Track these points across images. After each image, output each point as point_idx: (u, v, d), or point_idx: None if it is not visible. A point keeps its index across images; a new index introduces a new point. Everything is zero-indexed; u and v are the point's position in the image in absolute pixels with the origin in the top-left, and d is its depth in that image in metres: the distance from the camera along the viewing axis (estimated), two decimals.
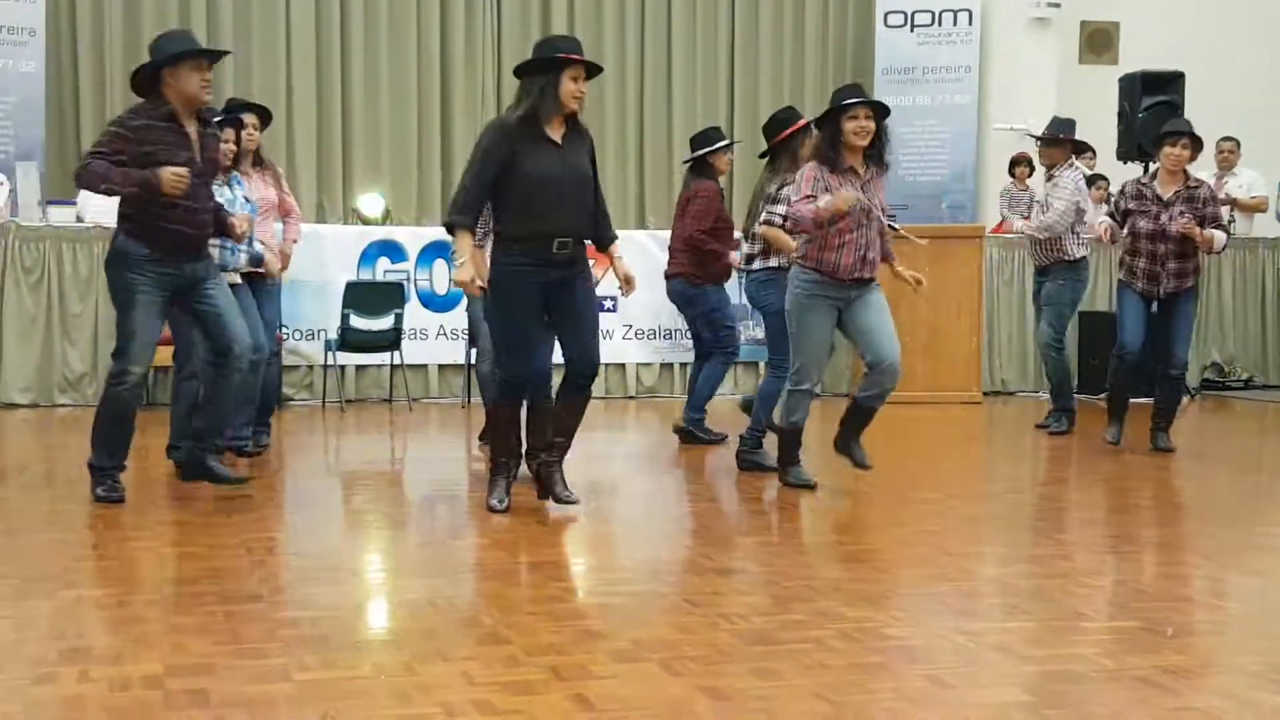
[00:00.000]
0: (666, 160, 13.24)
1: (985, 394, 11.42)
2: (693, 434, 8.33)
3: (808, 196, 6.25)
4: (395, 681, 3.56)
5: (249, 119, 7.49)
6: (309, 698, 3.42)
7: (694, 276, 8.27)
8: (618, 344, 11.49)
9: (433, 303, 10.97)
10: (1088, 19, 13.91)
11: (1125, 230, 8.11)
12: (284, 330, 9.43)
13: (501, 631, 4.08)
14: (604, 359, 12.05)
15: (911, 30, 13.18)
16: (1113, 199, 8.51)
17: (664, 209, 13.05)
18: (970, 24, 13.14)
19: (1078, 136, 9.26)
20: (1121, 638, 4.11)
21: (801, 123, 7.27)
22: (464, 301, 10.40)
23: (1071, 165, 9.22)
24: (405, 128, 12.60)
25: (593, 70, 5.88)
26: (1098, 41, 13.96)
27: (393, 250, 10.96)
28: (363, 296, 10.38)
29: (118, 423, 6.14)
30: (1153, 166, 8.75)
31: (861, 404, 6.58)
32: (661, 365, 11.65)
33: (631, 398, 11.56)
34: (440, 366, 11.10)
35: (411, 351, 10.70)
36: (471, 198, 5.78)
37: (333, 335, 10.22)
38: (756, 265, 7.41)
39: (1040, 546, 5.57)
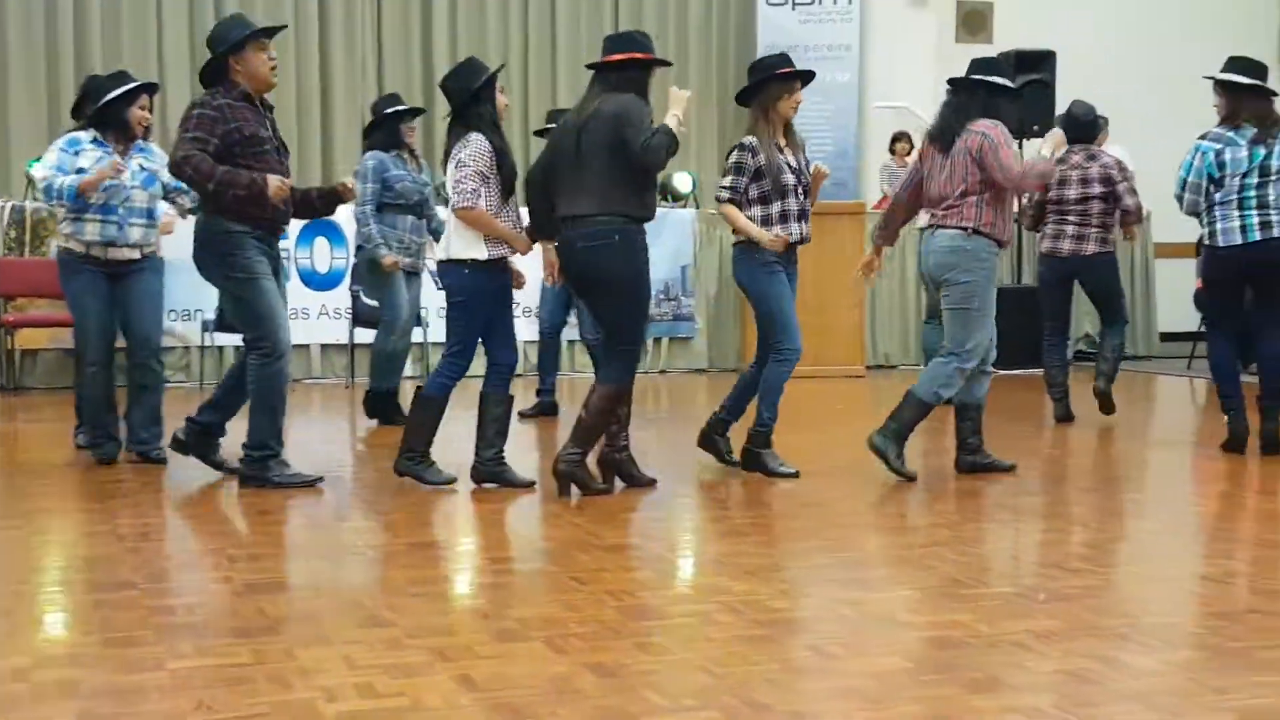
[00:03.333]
0: None
1: (868, 368, 11.56)
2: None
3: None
4: (274, 667, 3.51)
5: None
6: (183, 686, 3.36)
7: None
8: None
9: (314, 281, 10.83)
10: None
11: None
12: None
13: (384, 614, 4.04)
14: None
15: (793, 9, 13.25)
16: None
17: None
18: (850, 3, 13.25)
19: None
20: (997, 604, 4.18)
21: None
22: (346, 280, 10.32)
23: None
24: (284, 107, 12.36)
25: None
26: (973, 21, 14.14)
27: (332, 232, 10.78)
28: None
29: (282, 399, 6.16)
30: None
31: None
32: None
33: (519, 375, 11.50)
34: (323, 346, 10.97)
35: (292, 331, 10.50)
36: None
37: (210, 316, 10.00)
38: (733, 239, 6.75)
39: (921, 516, 5.65)
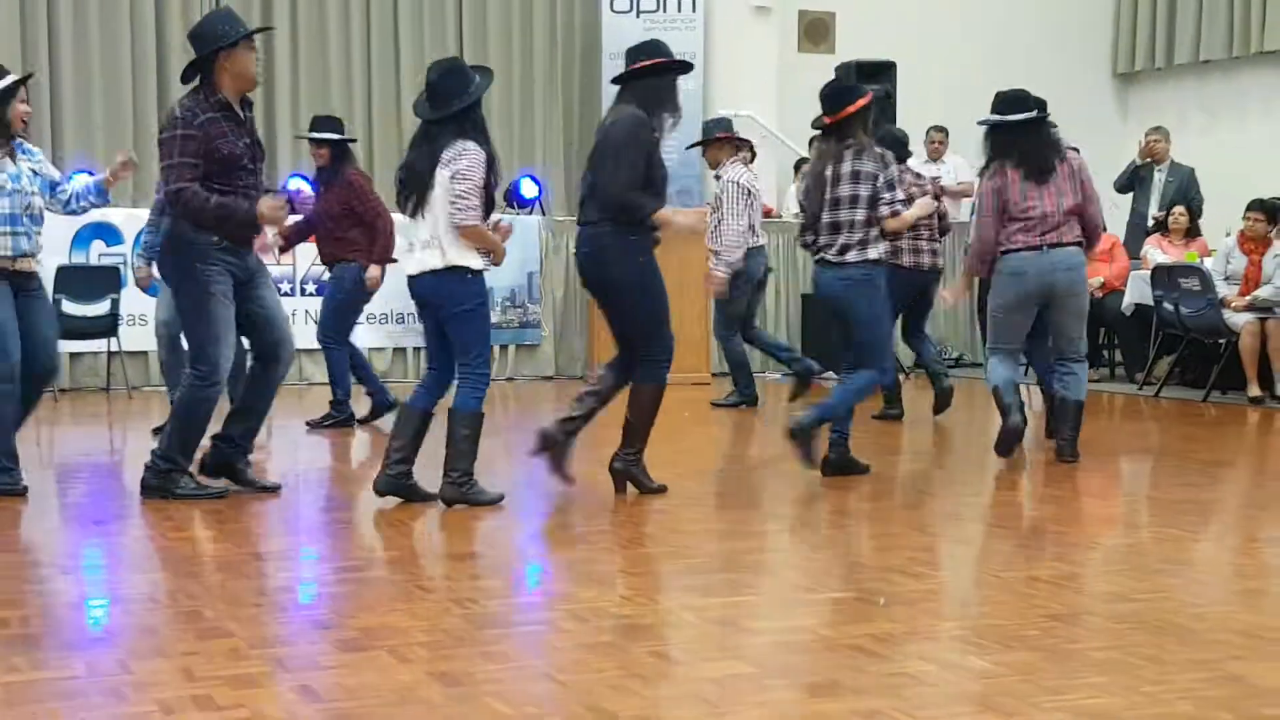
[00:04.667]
0: (397, 149, 13.02)
1: (714, 375, 11.66)
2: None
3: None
4: (110, 681, 3.43)
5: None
6: (17, 700, 3.27)
7: None
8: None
9: (152, 288, 10.55)
10: (805, 8, 14.29)
11: None
12: None
13: (224, 625, 3.97)
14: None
15: (637, 16, 13.30)
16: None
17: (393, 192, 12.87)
18: (695, 11, 13.34)
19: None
20: (839, 608, 4.27)
21: (870, 95, 6.69)
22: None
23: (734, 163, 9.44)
24: (119, 103, 11.99)
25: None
26: (815, 31, 14.36)
27: (108, 233, 10.52)
28: (75, 281, 9.95)
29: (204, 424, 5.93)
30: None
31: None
32: (395, 349, 11.54)
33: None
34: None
35: (130, 338, 10.29)
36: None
37: None
38: (852, 258, 6.45)
39: (765, 523, 5.73)
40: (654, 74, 6.03)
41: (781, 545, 5.22)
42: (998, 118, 6.90)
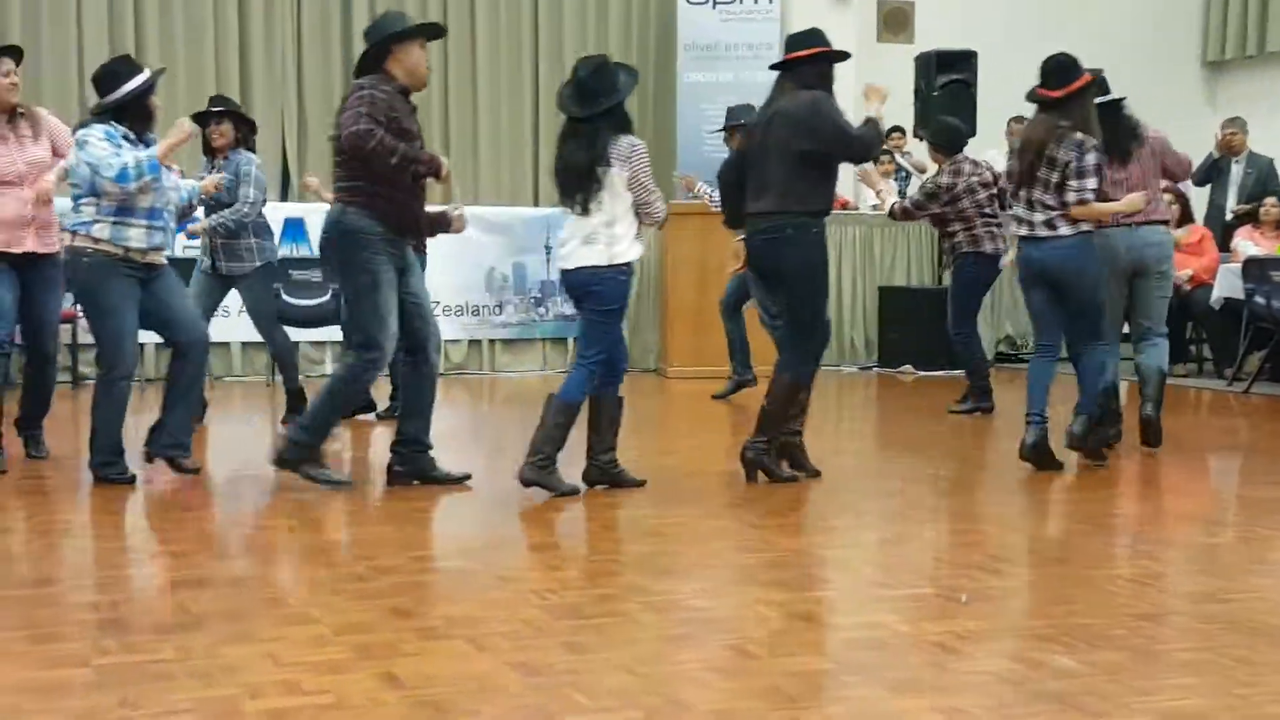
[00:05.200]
0: (471, 140, 13.10)
1: None
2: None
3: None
4: (198, 664, 3.49)
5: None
6: (107, 683, 3.33)
7: None
8: None
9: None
10: None
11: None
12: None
13: (308, 611, 4.02)
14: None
15: (714, 8, 13.26)
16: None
17: (467, 184, 12.96)
18: (771, 3, 13.29)
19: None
20: (919, 604, 4.24)
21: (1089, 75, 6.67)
22: None
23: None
24: (202, 102, 12.10)
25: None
26: (895, 21, 14.26)
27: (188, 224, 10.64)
28: None
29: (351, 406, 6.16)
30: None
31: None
32: (470, 342, 11.60)
33: (440, 374, 11.46)
34: (243, 344, 10.84)
35: (214, 328, 10.36)
36: None
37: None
38: (1065, 230, 6.49)
39: (841, 517, 5.70)
40: (811, 63, 6.17)
41: (860, 540, 5.19)
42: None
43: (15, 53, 6.68)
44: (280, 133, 12.27)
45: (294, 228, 10.79)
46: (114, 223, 5.98)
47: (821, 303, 6.23)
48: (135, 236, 6.02)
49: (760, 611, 4.14)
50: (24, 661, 3.49)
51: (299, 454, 5.98)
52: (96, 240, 5.98)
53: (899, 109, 11.59)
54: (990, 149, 10.62)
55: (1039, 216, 6.49)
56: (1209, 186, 12.29)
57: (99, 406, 6.09)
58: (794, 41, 6.28)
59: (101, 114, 6.07)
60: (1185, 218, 10.68)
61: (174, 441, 6.26)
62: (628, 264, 5.91)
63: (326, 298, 10.15)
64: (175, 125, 6.13)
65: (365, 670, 3.47)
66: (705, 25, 13.25)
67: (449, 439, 7.96)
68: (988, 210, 8.73)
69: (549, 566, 4.79)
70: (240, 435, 8.29)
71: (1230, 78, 15.14)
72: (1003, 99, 12.20)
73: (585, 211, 5.86)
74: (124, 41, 11.77)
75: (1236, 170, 12.08)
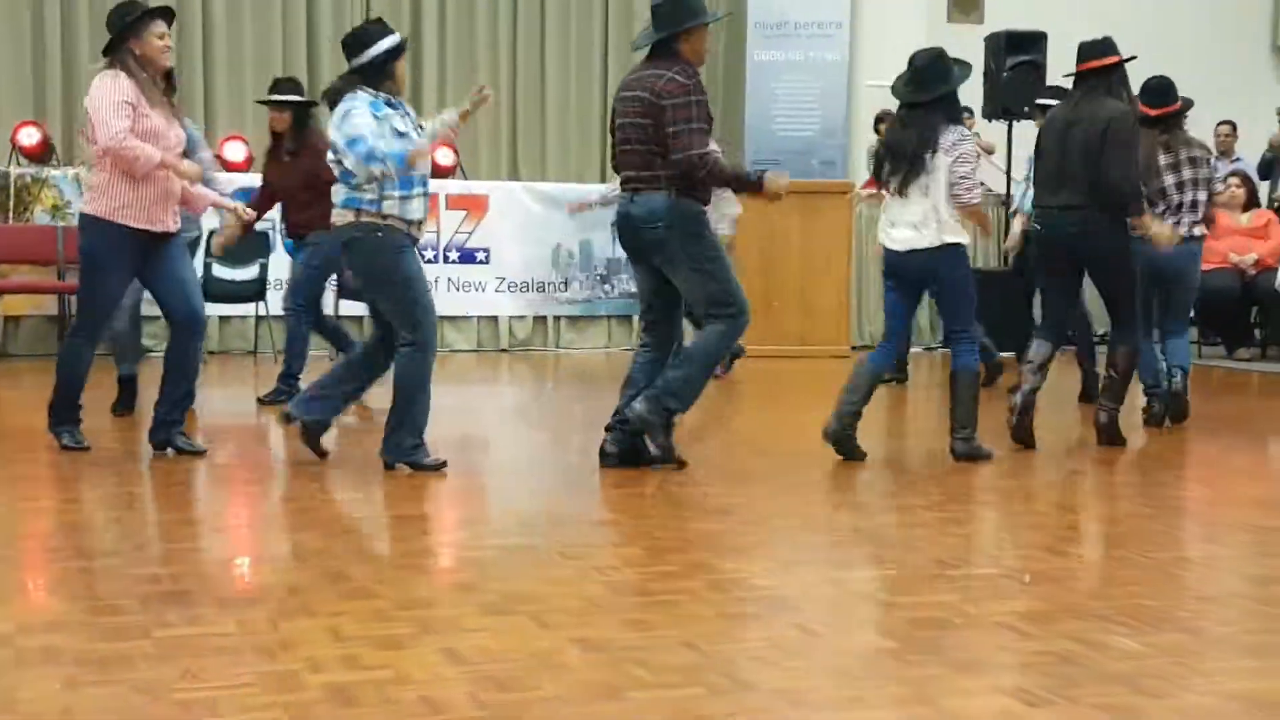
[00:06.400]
0: (539, 117, 13.10)
1: (854, 348, 11.56)
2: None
3: None
4: (259, 638, 3.50)
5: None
6: (169, 655, 3.35)
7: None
8: (490, 296, 11.44)
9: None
10: None
11: None
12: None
13: (370, 586, 4.03)
14: (478, 311, 11.97)
15: None
16: None
17: (535, 160, 12.99)
18: None
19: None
20: (982, 584, 4.19)
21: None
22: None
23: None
24: (269, 64, 12.17)
25: None
26: (965, 1, 14.10)
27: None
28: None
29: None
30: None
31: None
32: (535, 318, 11.62)
33: (504, 350, 11.51)
34: (221, 318, 10.84)
35: (279, 302, 10.45)
36: None
37: None
38: (1198, 232, 7.37)
39: (905, 496, 5.65)
40: (1118, 69, 6.62)
41: (924, 520, 5.14)
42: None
43: (167, 14, 6.15)
44: None
45: None
46: (400, 198, 5.74)
47: (1135, 279, 6.69)
48: (416, 208, 5.81)
49: (824, 591, 4.11)
50: (86, 633, 3.52)
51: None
52: (385, 216, 5.74)
53: (969, 89, 11.47)
54: None
55: (1182, 216, 7.22)
56: (1269, 181, 12.15)
57: (413, 381, 5.82)
58: (1085, 51, 6.69)
59: (350, 76, 5.81)
60: (1251, 202, 10.55)
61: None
62: (960, 244, 6.15)
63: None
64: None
65: (426, 645, 3.47)
66: (775, 3, 13.17)
67: (513, 415, 7.99)
68: None
69: (612, 543, 4.78)
70: None
71: None
72: (1072, 81, 12.09)
73: (900, 194, 6.12)
74: (192, 25, 11.85)
75: None
